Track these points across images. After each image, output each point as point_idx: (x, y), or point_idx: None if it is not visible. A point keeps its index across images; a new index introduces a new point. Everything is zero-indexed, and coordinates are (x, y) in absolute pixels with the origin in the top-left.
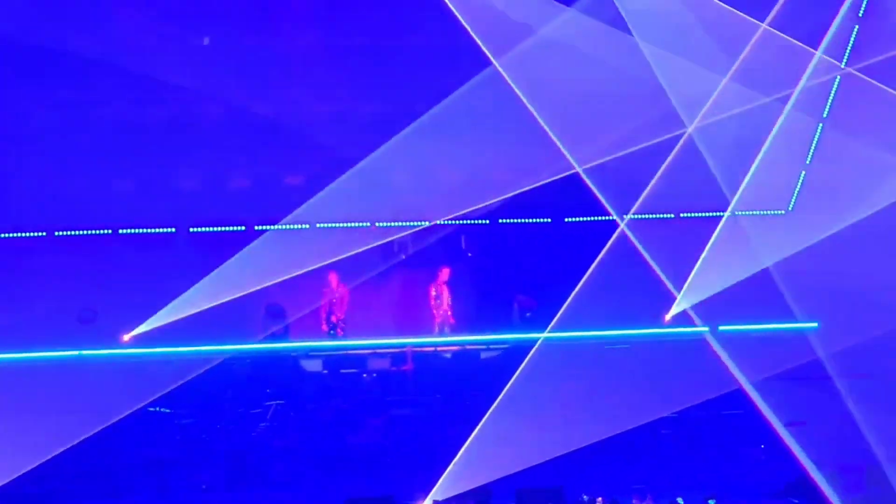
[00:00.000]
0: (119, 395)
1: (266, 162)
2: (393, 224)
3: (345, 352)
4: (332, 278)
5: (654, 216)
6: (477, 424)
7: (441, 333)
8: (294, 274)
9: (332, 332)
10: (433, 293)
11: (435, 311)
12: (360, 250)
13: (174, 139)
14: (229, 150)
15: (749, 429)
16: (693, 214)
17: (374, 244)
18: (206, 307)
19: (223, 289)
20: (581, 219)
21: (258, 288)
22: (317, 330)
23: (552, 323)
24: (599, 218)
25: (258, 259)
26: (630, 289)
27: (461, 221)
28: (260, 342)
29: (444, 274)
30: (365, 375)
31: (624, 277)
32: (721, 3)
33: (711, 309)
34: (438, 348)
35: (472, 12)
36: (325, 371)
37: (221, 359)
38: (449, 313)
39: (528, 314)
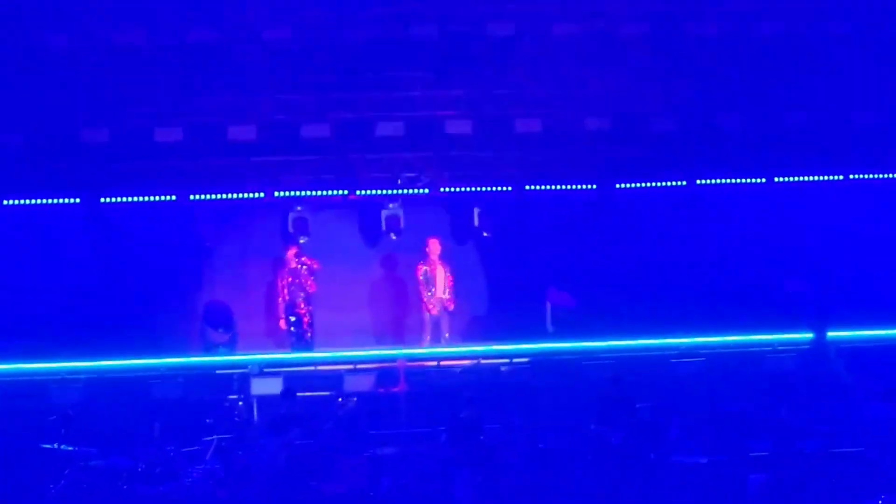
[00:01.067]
0: None
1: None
2: (376, 192)
3: (313, 367)
4: (290, 255)
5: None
6: (495, 470)
7: (435, 332)
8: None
9: (294, 328)
10: (421, 275)
11: (425, 300)
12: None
13: None
14: None
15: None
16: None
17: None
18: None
19: (142, 276)
20: (638, 184)
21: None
22: (273, 333)
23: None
24: (663, 183)
25: (194, 235)
26: (709, 279)
27: (472, 189)
28: (195, 355)
29: (435, 247)
30: (340, 400)
31: (700, 263)
32: None
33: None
34: (442, 363)
35: None
36: (286, 394)
37: (142, 378)
38: (447, 298)
39: (564, 314)
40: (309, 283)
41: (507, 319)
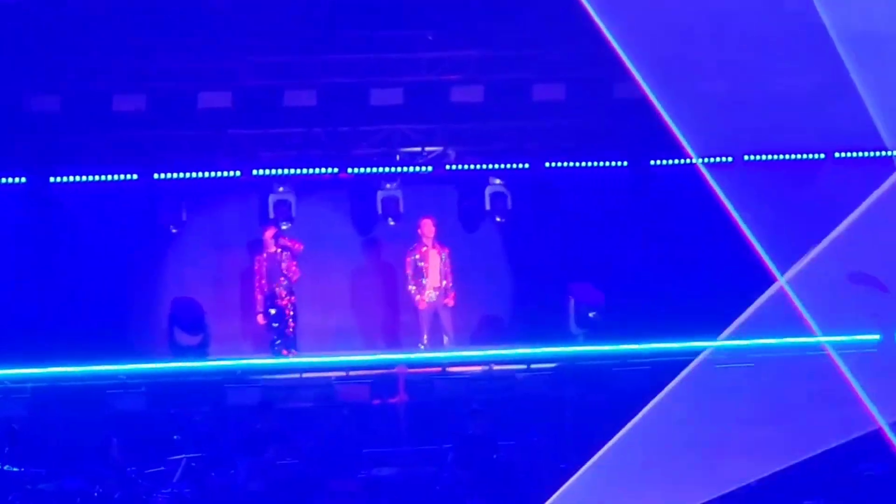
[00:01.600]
0: None
1: None
2: (371, 171)
3: (298, 374)
4: (268, 237)
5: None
6: (510, 495)
7: (434, 333)
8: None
9: (276, 323)
10: (410, 262)
11: (417, 292)
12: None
13: None
14: None
15: None
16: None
17: None
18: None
19: (97, 268)
20: (678, 161)
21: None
22: (251, 334)
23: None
24: (707, 160)
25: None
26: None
27: (483, 166)
28: (160, 361)
29: (428, 229)
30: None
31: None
32: None
33: None
34: (448, 369)
35: None
36: (264, 406)
37: (99, 388)
38: (447, 286)
39: (590, 314)
40: (292, 268)
41: (524, 319)
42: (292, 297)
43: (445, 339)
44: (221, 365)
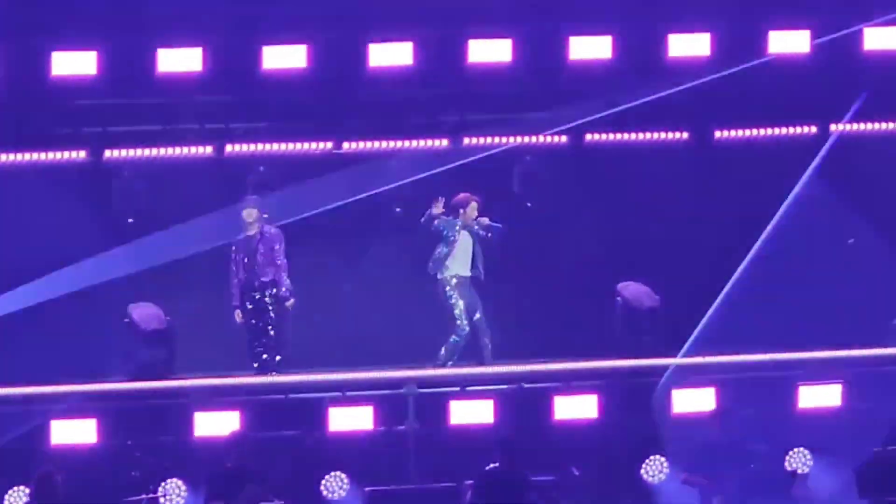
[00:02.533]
0: None
1: None
2: (373, 146)
3: (283, 396)
4: (246, 216)
5: None
6: None
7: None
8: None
9: (254, 321)
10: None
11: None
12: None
13: None
14: None
15: None
16: None
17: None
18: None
19: (36, 268)
20: (749, 132)
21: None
22: (223, 344)
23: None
24: (789, 130)
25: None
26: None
27: (511, 139)
28: (114, 380)
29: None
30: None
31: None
32: None
33: None
34: (468, 388)
35: None
36: (237, 439)
37: (38, 412)
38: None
39: (642, 317)
40: (276, 255)
41: (559, 326)
42: (276, 291)
43: (478, 314)
44: (189, 384)
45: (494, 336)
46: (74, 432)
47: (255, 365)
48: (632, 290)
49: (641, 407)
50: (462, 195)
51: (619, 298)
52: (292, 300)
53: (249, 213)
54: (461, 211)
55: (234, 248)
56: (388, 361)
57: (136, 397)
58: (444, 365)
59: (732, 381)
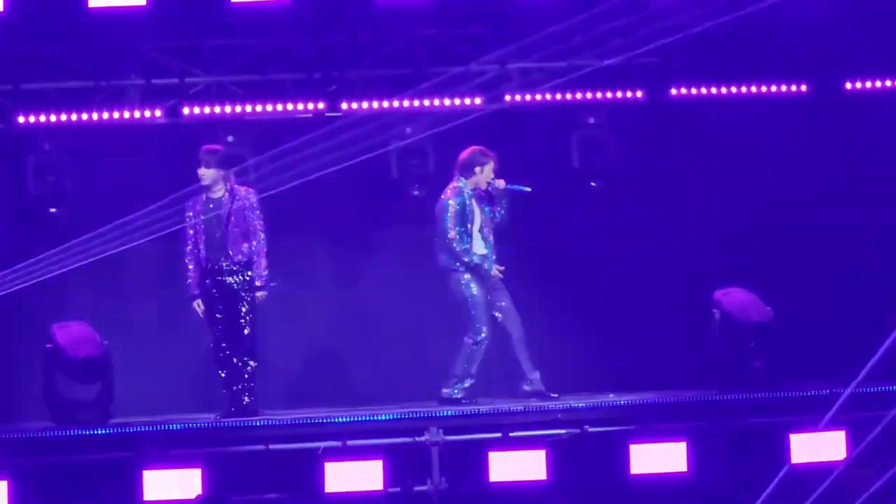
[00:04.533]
0: None
1: None
2: (380, 106)
3: (263, 446)
4: (202, 174)
5: None
6: None
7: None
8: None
9: (219, 315)
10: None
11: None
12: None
13: None
14: None
15: None
16: None
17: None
18: None
19: None
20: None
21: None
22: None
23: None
24: None
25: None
26: None
27: (567, 96)
28: (35, 430)
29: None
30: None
31: None
32: None
33: None
34: (511, 434)
35: None
36: (207, 500)
37: None
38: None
39: (748, 334)
40: (250, 224)
41: (634, 348)
42: (251, 276)
43: (503, 303)
44: (135, 431)
45: (547, 362)
46: None
47: (222, 374)
48: (734, 298)
49: (746, 456)
50: (474, 150)
51: (716, 311)
52: (264, 292)
53: (206, 172)
54: (476, 170)
55: (189, 213)
56: (402, 398)
57: (61, 451)
58: (462, 379)
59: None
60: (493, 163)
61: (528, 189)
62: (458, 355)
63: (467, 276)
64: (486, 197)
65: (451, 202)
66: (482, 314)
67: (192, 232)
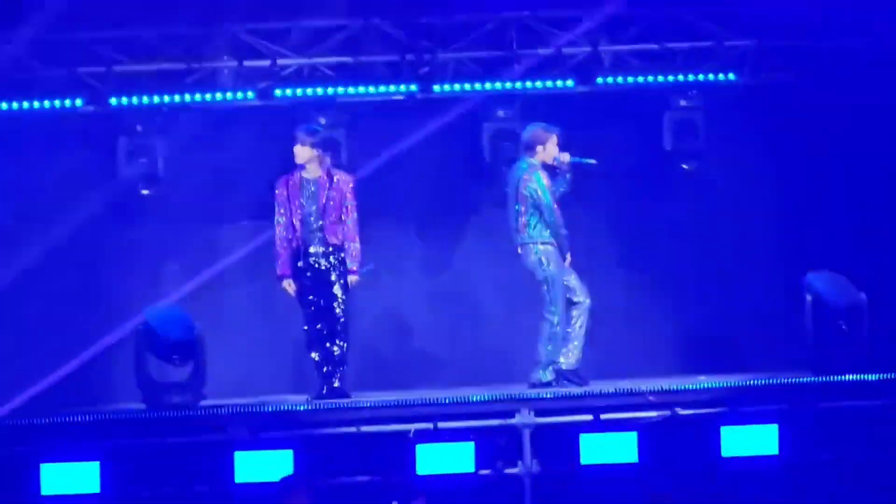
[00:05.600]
0: None
1: None
2: (472, 88)
3: (354, 428)
4: (299, 153)
5: None
6: None
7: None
8: None
9: (312, 297)
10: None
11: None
12: None
13: None
14: None
15: None
16: None
17: None
18: None
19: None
20: None
21: None
22: (276, 353)
23: None
24: None
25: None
26: None
27: (659, 78)
28: (126, 412)
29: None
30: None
31: None
32: None
33: None
34: (603, 416)
35: None
36: (298, 481)
37: (25, 455)
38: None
39: (841, 319)
40: (344, 206)
41: (723, 330)
42: (345, 259)
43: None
44: (227, 413)
45: (636, 345)
46: (69, 480)
47: (314, 356)
48: (826, 281)
49: (836, 441)
50: (535, 128)
51: (808, 294)
52: (357, 276)
53: (303, 151)
54: (538, 148)
55: (278, 190)
56: (493, 380)
57: (153, 432)
58: (548, 364)
59: None
60: (557, 137)
61: (594, 161)
62: (540, 341)
63: (540, 254)
64: (552, 172)
65: (533, 180)
66: (559, 293)
67: (282, 210)
